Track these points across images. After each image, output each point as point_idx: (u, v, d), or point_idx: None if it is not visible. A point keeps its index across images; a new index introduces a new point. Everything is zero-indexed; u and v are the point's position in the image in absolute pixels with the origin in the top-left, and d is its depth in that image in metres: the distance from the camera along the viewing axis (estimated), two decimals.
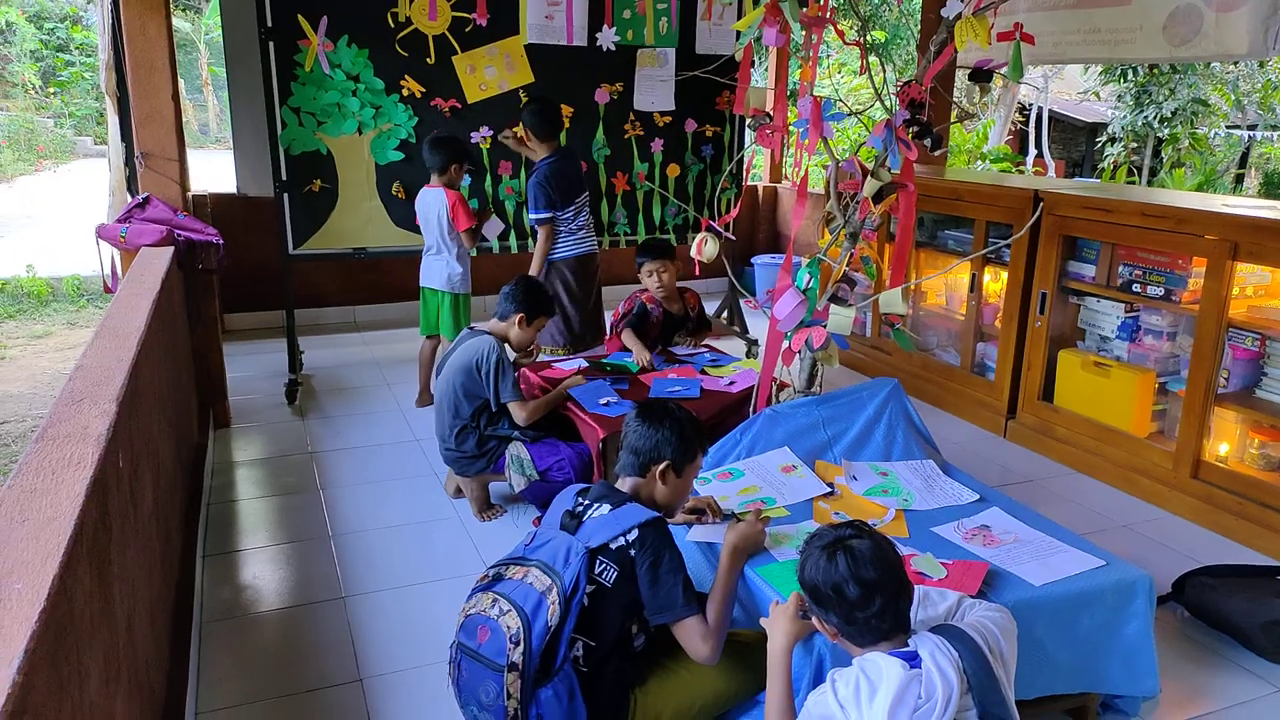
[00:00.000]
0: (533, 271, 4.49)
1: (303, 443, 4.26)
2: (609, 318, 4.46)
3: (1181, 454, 3.65)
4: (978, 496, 2.76)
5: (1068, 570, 2.34)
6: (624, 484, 2.28)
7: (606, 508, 2.15)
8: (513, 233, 5.08)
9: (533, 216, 4.46)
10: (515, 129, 4.81)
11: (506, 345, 3.54)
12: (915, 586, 1.79)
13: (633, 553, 2.05)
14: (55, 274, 8.29)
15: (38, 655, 1.10)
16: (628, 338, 4.13)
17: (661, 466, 2.24)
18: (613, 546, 2.05)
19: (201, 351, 4.30)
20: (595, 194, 5.29)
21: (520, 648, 1.95)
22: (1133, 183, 12.96)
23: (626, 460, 2.28)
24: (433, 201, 4.46)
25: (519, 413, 3.42)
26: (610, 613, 2.04)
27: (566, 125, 5.12)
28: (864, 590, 1.65)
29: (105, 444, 1.67)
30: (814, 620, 1.79)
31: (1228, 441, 3.69)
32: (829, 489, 2.74)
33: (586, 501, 2.20)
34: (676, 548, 2.10)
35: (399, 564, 3.18)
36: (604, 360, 3.98)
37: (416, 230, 4.68)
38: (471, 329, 3.64)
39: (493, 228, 4.95)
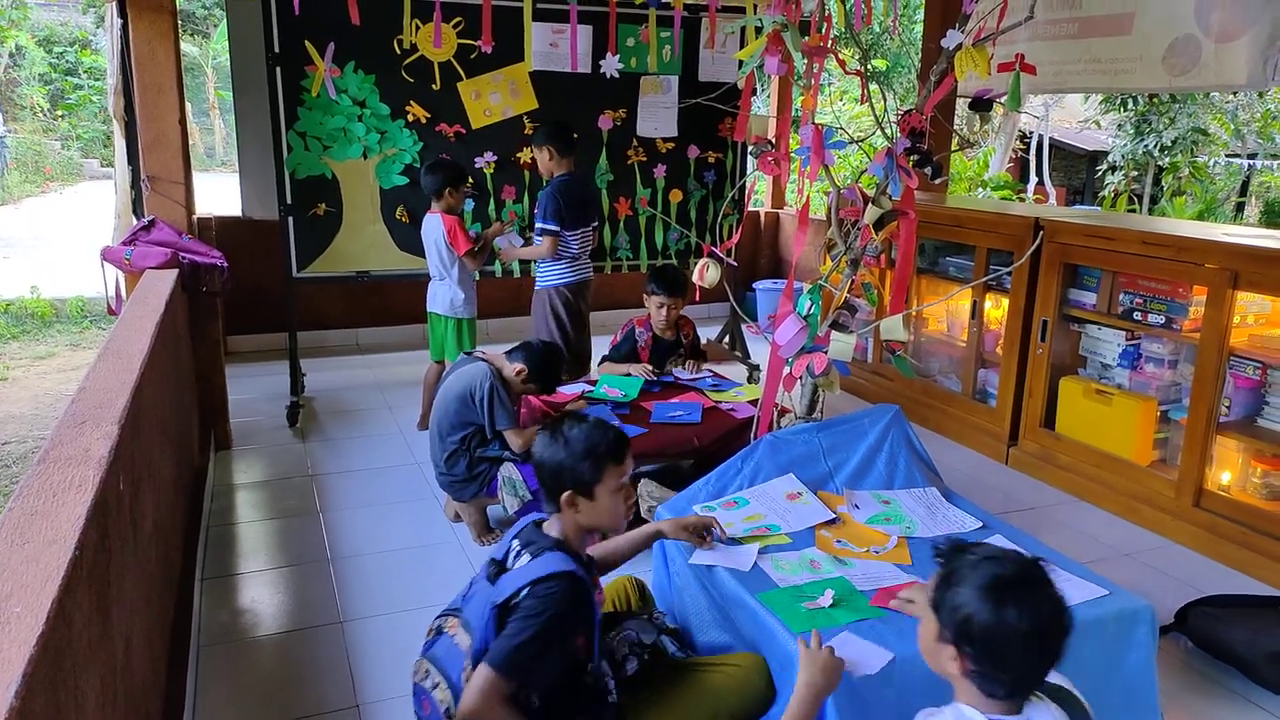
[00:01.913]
0: (513, 257, 4.74)
1: (303, 465, 4.26)
2: (606, 344, 4.46)
3: (1184, 482, 3.64)
4: (980, 524, 2.75)
5: (1070, 599, 2.32)
6: (552, 524, 2.08)
7: (526, 557, 1.98)
8: (515, 263, 5.08)
9: (540, 226, 4.45)
10: (523, 154, 4.86)
11: (502, 373, 3.53)
12: None
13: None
14: (59, 295, 8.33)
15: (35, 679, 1.09)
16: (608, 369, 4.16)
17: (565, 495, 2.03)
18: (513, 603, 1.89)
19: (204, 374, 4.31)
20: (600, 220, 5.31)
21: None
22: (1133, 211, 13.01)
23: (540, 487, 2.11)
24: (432, 228, 4.48)
25: (515, 440, 3.42)
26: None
27: None
28: (1030, 652, 1.47)
29: (107, 467, 1.67)
30: (934, 644, 1.56)
31: (1230, 470, 3.68)
32: (832, 516, 2.73)
33: (518, 547, 2.03)
34: (562, 613, 1.87)
35: (398, 589, 3.17)
36: (604, 381, 3.98)
37: (420, 254, 4.70)
38: (469, 355, 3.65)
39: (506, 239, 4.91)
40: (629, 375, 4.11)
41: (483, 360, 3.53)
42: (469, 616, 1.98)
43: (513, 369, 3.51)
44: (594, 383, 4.03)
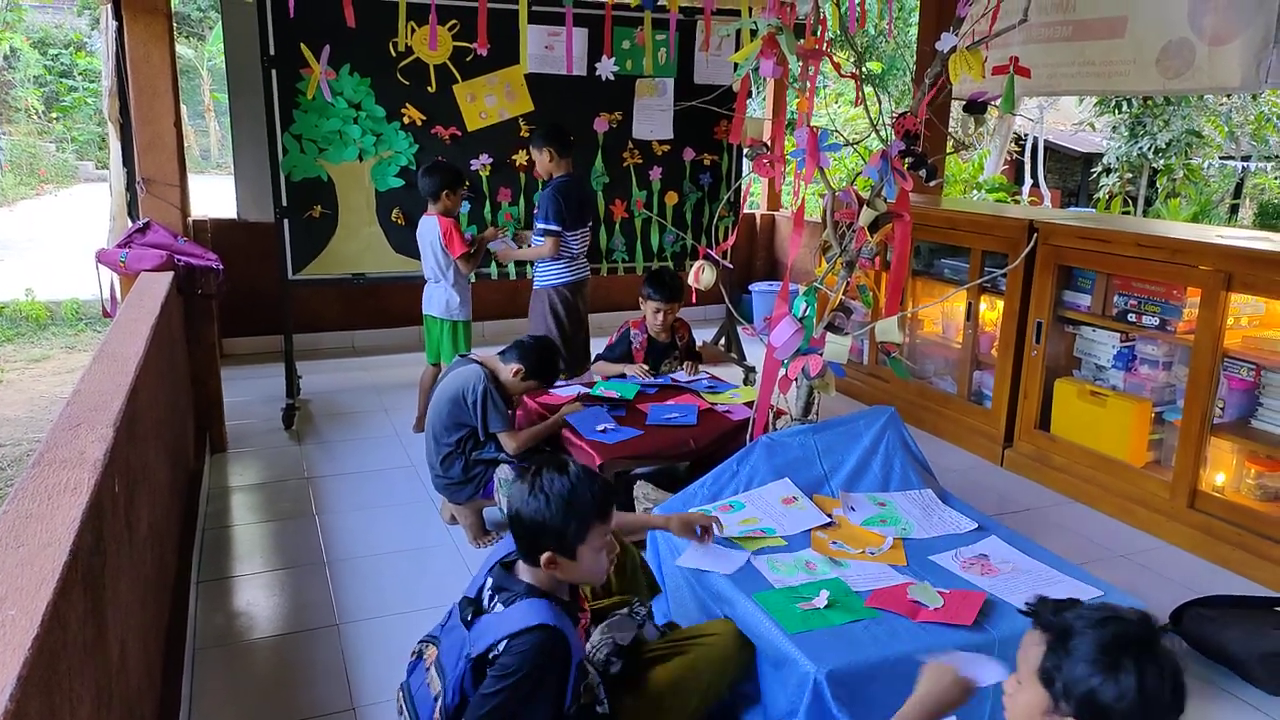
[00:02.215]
0: (514, 258, 4.75)
1: (299, 468, 4.26)
2: (601, 345, 4.48)
3: (1178, 484, 3.66)
4: (976, 525, 2.76)
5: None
6: (522, 570, 1.95)
7: (500, 605, 1.88)
8: (512, 264, 5.09)
9: (541, 226, 4.47)
10: (518, 156, 4.87)
11: (498, 375, 3.53)
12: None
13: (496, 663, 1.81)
14: (54, 298, 8.31)
15: (30, 682, 1.09)
16: (601, 368, 4.19)
17: (545, 556, 1.87)
18: (490, 656, 1.82)
19: (199, 376, 4.30)
20: (594, 221, 5.32)
21: None
22: (1128, 213, 13.04)
23: (515, 539, 1.95)
24: (428, 230, 4.48)
25: (509, 442, 3.42)
26: None
27: None
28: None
29: (102, 469, 1.67)
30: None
31: (1224, 471, 3.69)
32: (828, 519, 2.74)
33: (491, 588, 1.94)
34: (540, 667, 1.80)
35: (394, 591, 3.17)
36: (600, 385, 3.99)
37: (416, 256, 4.70)
38: (463, 357, 3.65)
39: (501, 243, 4.92)
40: (624, 376, 4.12)
41: (476, 363, 3.52)
42: (443, 656, 1.94)
43: (509, 370, 3.51)
44: (592, 384, 4.03)
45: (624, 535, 2.38)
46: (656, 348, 4.29)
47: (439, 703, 1.89)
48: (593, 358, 4.52)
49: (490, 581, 1.95)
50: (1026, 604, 1.51)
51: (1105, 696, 1.32)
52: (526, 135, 4.98)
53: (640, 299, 4.23)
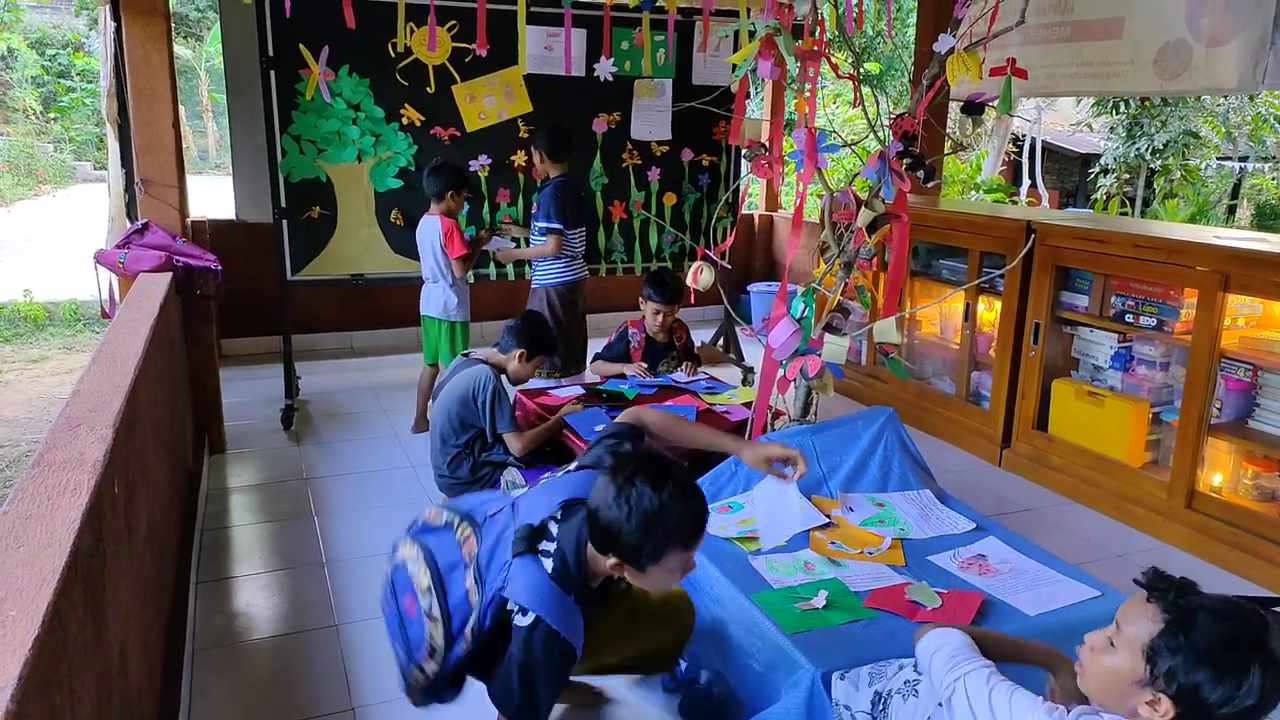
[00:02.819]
0: (516, 258, 4.79)
1: (298, 468, 4.26)
2: (600, 345, 4.50)
3: (1175, 484, 3.66)
4: (974, 526, 2.76)
5: (1063, 600, 2.34)
6: (569, 533, 1.87)
7: (545, 557, 1.84)
8: (510, 265, 5.10)
9: (542, 225, 4.50)
10: (517, 157, 4.88)
11: (504, 377, 3.56)
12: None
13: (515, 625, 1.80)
14: (53, 298, 8.30)
15: (31, 683, 1.10)
16: (600, 368, 4.21)
17: (611, 561, 1.80)
18: (509, 607, 1.82)
19: (198, 377, 4.30)
20: (593, 221, 5.33)
21: (436, 661, 1.90)
22: (1125, 213, 13.06)
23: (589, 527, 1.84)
24: (429, 230, 4.49)
25: (514, 443, 3.43)
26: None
27: None
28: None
29: (101, 470, 1.68)
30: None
31: (1221, 472, 3.70)
32: (826, 520, 2.74)
33: (552, 534, 1.87)
34: (551, 664, 1.79)
35: None
36: (600, 387, 3.99)
37: (414, 257, 4.70)
38: (467, 357, 3.66)
39: (496, 244, 4.94)
40: (623, 376, 4.13)
41: (482, 363, 3.54)
42: (482, 559, 1.88)
43: (512, 357, 3.55)
44: (590, 386, 4.04)
45: (687, 447, 2.36)
46: (654, 348, 4.30)
47: (474, 615, 1.84)
48: (590, 358, 4.54)
49: (555, 523, 1.88)
50: (1142, 574, 1.53)
51: (1212, 695, 1.33)
52: (525, 136, 4.99)
53: (640, 299, 4.24)
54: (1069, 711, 1.47)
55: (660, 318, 4.19)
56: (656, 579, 1.83)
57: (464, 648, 1.87)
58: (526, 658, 1.78)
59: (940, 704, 1.61)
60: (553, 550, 1.84)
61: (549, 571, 1.81)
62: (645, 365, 4.18)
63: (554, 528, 1.88)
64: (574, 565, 1.83)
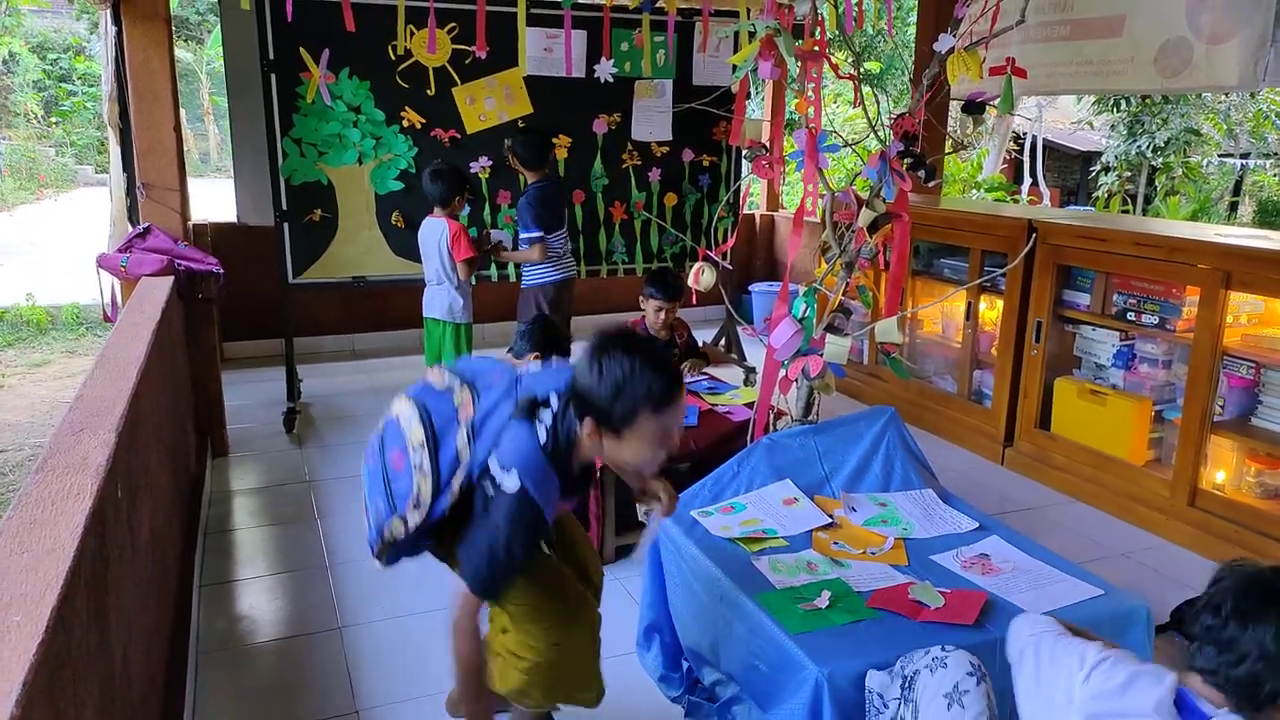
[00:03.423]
0: (507, 259, 4.86)
1: (300, 472, 4.26)
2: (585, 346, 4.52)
3: (1178, 482, 3.66)
4: (976, 525, 2.76)
5: (1066, 599, 2.34)
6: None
7: (541, 426, 1.87)
8: (511, 264, 5.10)
9: (525, 235, 4.53)
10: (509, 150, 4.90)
11: None
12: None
13: (489, 489, 1.86)
14: (55, 302, 8.31)
15: (35, 688, 1.10)
16: None
17: (587, 424, 1.84)
18: (494, 467, 1.86)
19: (200, 380, 4.31)
20: (593, 223, 5.34)
21: (420, 511, 1.93)
22: (1127, 211, 13.05)
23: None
24: (434, 231, 4.48)
25: None
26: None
27: (565, 155, 5.18)
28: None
29: (104, 475, 1.68)
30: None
31: (1224, 469, 3.70)
32: (829, 520, 2.74)
33: (552, 408, 1.89)
34: (517, 532, 1.84)
35: (395, 594, 3.17)
36: None
37: (416, 259, 4.70)
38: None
39: (497, 236, 4.96)
40: None
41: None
42: (479, 421, 1.92)
43: (525, 361, 3.54)
44: None
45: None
46: None
47: (462, 470, 1.90)
48: None
49: (555, 399, 1.89)
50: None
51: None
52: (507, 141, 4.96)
53: (641, 298, 4.25)
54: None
55: (662, 315, 4.19)
56: (633, 449, 1.84)
57: (448, 501, 1.92)
58: (500, 517, 1.83)
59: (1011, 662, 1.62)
60: (549, 422, 1.88)
61: (540, 440, 1.86)
62: None
63: (555, 401, 1.90)
64: (564, 438, 1.87)
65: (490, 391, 1.97)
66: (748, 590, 2.34)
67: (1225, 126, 13.26)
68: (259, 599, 3.16)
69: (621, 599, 3.15)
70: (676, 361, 4.32)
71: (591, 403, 1.81)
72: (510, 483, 1.82)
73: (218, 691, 2.64)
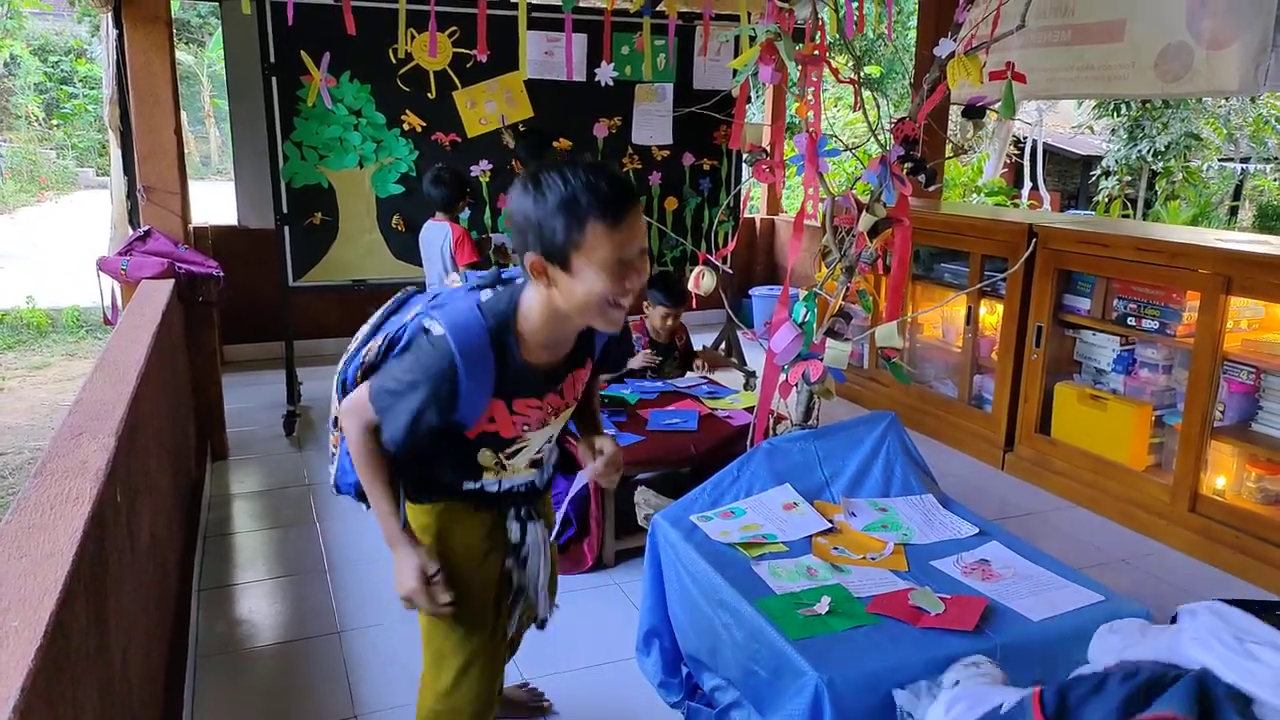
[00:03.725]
0: (508, 261, 4.71)
1: (300, 475, 4.26)
2: None
3: (1179, 487, 3.66)
4: (977, 530, 2.76)
5: (1066, 605, 2.33)
6: (527, 286, 1.68)
7: (484, 292, 1.71)
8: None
9: None
10: (507, 136, 4.92)
11: None
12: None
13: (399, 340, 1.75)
14: (55, 305, 8.31)
15: (34, 694, 1.09)
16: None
17: (530, 259, 1.57)
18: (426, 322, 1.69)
19: (200, 384, 4.31)
20: None
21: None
22: (1127, 215, 13.05)
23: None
24: (436, 235, 4.49)
25: None
26: None
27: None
28: None
29: (104, 479, 1.68)
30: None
31: (1225, 475, 3.70)
32: (829, 525, 2.74)
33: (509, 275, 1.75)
34: (419, 381, 1.64)
35: (395, 598, 3.16)
36: (601, 393, 3.99)
37: (416, 262, 4.70)
38: None
39: (498, 239, 5.00)
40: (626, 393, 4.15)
41: None
42: (432, 301, 1.79)
43: None
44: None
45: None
46: (656, 349, 4.33)
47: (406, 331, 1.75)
48: None
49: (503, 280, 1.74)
50: None
51: None
52: (508, 141, 4.97)
53: (645, 303, 4.25)
54: None
55: (668, 321, 4.21)
56: (587, 283, 1.54)
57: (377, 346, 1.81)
58: (408, 354, 1.69)
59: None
60: (492, 293, 1.71)
61: (478, 302, 1.68)
62: (650, 352, 4.20)
63: (502, 280, 1.75)
64: (507, 303, 1.67)
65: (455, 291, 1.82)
66: (747, 595, 2.34)
67: (1225, 131, 13.27)
68: (258, 603, 3.15)
69: (621, 604, 3.15)
70: (676, 362, 4.33)
71: (536, 230, 1.54)
72: (436, 331, 1.64)
73: (216, 696, 2.63)
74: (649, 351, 4.23)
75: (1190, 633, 1.34)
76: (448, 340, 1.60)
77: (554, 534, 2.14)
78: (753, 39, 2.91)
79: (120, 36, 4.13)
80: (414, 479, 1.89)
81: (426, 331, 1.66)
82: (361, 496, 1.96)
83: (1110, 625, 1.56)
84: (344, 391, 1.90)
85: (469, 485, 1.88)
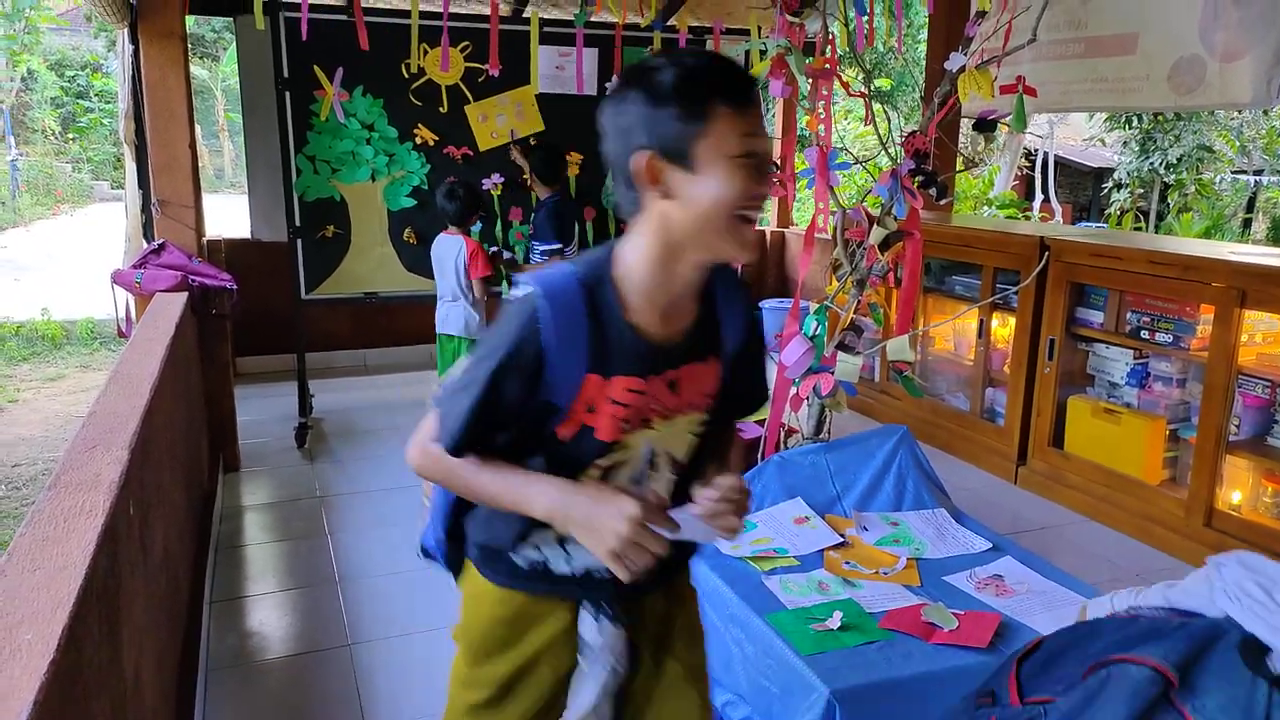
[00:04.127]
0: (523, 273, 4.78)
1: (311, 487, 4.27)
2: None
3: (1194, 502, 3.63)
4: (990, 545, 2.74)
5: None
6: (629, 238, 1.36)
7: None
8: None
9: (544, 248, 4.59)
10: (515, 151, 4.94)
11: None
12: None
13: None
14: (70, 317, 8.38)
15: (46, 707, 1.10)
16: None
17: (640, 158, 1.24)
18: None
19: (213, 396, 4.33)
20: (605, 239, 5.35)
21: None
22: (1140, 228, 13.00)
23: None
24: (450, 249, 4.50)
25: None
26: None
27: (577, 172, 5.20)
28: None
29: (117, 492, 1.68)
30: None
31: (1240, 489, 3.66)
32: (840, 539, 2.73)
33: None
34: (496, 345, 1.31)
35: (406, 610, 3.17)
36: None
37: (428, 275, 4.72)
38: None
39: (505, 255, 5.03)
40: None
41: None
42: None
43: None
44: None
45: None
46: None
47: None
48: None
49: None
50: None
51: None
52: (517, 147, 5.00)
53: None
54: None
55: None
56: (714, 182, 1.22)
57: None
58: (488, 329, 1.39)
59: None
60: (590, 252, 1.41)
61: (573, 264, 1.35)
62: None
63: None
64: (602, 251, 1.36)
65: None
66: (758, 610, 2.33)
67: (1238, 143, 13.21)
68: (269, 615, 3.16)
69: None
70: None
71: (640, 122, 1.23)
72: (519, 292, 1.33)
73: (227, 708, 2.63)
74: None
75: (1219, 584, 1.34)
76: (533, 293, 1.28)
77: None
78: (763, 53, 2.92)
79: (136, 52, 4.17)
80: (461, 534, 1.51)
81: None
82: (452, 563, 1.57)
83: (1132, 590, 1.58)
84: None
85: (531, 556, 1.44)
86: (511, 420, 1.34)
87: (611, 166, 1.31)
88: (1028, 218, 12.91)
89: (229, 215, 9.74)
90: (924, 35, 8.94)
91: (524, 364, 1.28)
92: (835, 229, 3.10)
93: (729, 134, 1.22)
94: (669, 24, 4.86)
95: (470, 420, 1.31)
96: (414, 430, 1.46)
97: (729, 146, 1.22)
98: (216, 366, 4.33)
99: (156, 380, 2.47)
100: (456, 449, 1.35)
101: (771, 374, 2.91)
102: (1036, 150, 14.87)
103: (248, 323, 5.86)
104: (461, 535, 1.53)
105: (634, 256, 1.32)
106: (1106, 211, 13.94)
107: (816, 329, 2.94)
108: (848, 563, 2.60)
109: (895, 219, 2.90)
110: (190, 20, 5.33)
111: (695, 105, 1.21)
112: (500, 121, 5.00)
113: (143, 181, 4.59)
